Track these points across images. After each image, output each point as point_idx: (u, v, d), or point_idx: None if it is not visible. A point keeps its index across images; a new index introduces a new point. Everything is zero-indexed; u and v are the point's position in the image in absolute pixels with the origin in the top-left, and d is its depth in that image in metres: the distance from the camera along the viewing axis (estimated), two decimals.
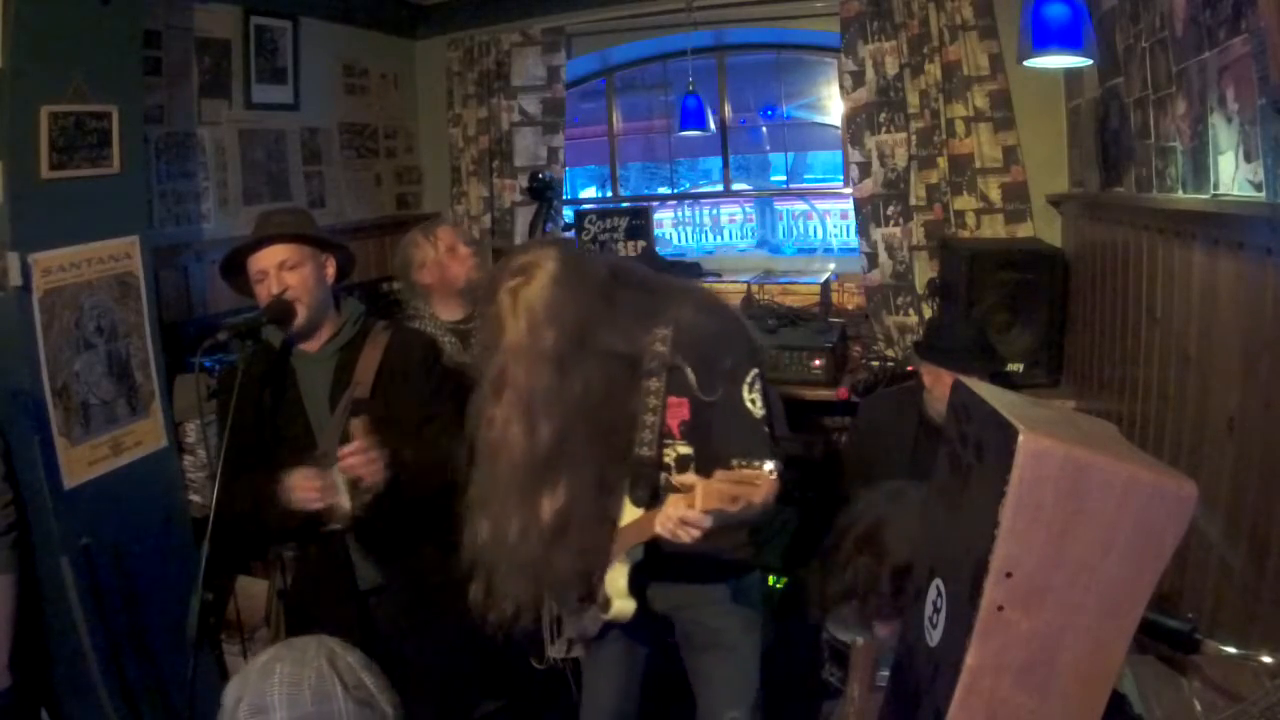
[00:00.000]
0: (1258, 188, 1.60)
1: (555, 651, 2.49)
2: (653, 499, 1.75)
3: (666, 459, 1.83)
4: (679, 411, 1.78)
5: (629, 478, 1.79)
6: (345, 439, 2.11)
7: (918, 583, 1.12)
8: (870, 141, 3.61)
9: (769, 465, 1.49)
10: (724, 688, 1.99)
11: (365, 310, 2.29)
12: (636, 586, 1.80)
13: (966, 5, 3.38)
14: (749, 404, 1.75)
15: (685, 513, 1.49)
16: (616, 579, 1.78)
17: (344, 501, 2.00)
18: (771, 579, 3.02)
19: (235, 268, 2.15)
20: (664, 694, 2.17)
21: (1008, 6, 3.29)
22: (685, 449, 1.83)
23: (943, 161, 3.49)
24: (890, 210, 3.62)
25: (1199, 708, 1.23)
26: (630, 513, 1.77)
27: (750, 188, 4.71)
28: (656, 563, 1.91)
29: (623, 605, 1.79)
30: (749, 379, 1.76)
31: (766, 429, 1.77)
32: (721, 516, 1.53)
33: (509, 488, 1.66)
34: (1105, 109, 2.66)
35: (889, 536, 1.49)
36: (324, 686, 1.03)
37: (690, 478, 1.54)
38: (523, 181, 4.18)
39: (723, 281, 3.97)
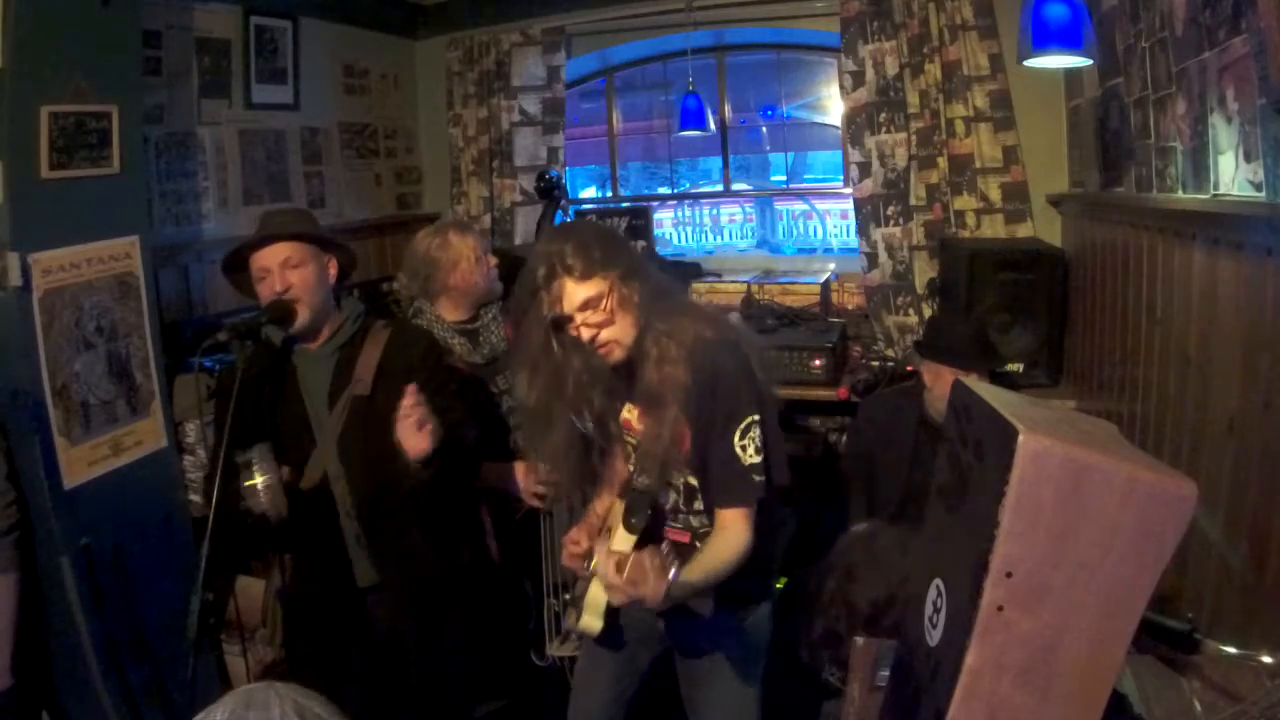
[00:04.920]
0: (1258, 188, 1.60)
1: (556, 650, 2.50)
2: (647, 531, 1.74)
3: (675, 482, 1.85)
4: (684, 441, 1.78)
5: (624, 504, 1.80)
6: (344, 438, 2.11)
7: (917, 583, 1.12)
8: (870, 141, 3.61)
9: (673, 573, 1.49)
10: None
11: (365, 309, 2.29)
12: (614, 611, 1.78)
13: (966, 5, 3.38)
14: (738, 450, 1.73)
15: (612, 580, 1.49)
16: (598, 597, 1.75)
17: (270, 504, 1.95)
18: None
19: (237, 265, 2.15)
20: (658, 710, 2.15)
21: (1008, 6, 3.29)
22: (691, 479, 1.84)
23: (943, 161, 3.49)
24: (890, 210, 3.62)
25: (1199, 708, 1.23)
26: (622, 538, 1.75)
27: (750, 188, 4.71)
28: None
29: (589, 621, 1.76)
30: (743, 425, 1.73)
31: (759, 477, 1.75)
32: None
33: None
34: (1105, 109, 2.66)
35: (859, 588, 1.52)
36: None
37: (625, 546, 1.55)
38: (524, 181, 4.18)
39: (723, 281, 3.98)
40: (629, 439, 1.91)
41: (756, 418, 1.75)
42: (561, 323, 1.76)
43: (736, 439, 1.73)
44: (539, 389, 1.83)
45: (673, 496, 1.86)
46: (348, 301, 2.26)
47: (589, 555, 1.89)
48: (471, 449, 2.18)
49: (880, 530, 1.67)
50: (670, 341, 1.76)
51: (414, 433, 1.88)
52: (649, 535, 1.80)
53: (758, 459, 1.74)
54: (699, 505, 1.85)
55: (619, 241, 1.92)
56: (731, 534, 1.72)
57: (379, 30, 4.20)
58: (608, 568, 1.50)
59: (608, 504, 2.00)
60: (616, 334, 1.76)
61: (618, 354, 1.78)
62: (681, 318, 1.81)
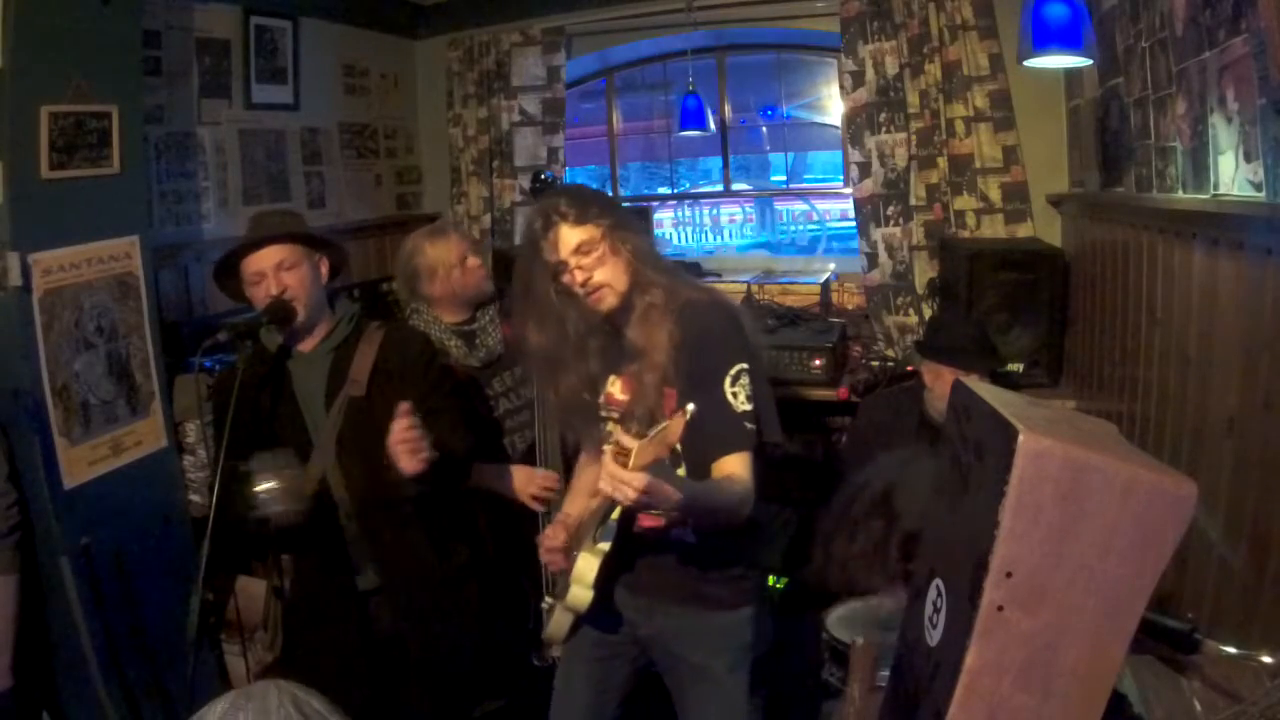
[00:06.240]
0: (1258, 188, 1.60)
1: (555, 651, 2.50)
2: (628, 517, 1.73)
3: None
4: (669, 402, 1.78)
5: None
6: (341, 439, 2.11)
7: (918, 582, 1.12)
8: (870, 141, 3.61)
9: (690, 407, 1.49)
10: None
11: (360, 310, 2.29)
12: (604, 583, 1.78)
13: (966, 5, 3.37)
14: (729, 397, 1.75)
15: (618, 471, 1.50)
16: (585, 569, 1.75)
17: (293, 507, 1.97)
18: (771, 579, 3.01)
19: (228, 270, 2.14)
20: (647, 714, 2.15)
21: (1008, 6, 3.29)
22: (677, 445, 1.82)
23: (943, 161, 3.49)
24: (890, 210, 3.62)
25: (1199, 708, 1.23)
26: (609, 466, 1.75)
27: (750, 188, 4.71)
28: (642, 577, 1.89)
29: (579, 594, 1.76)
30: (734, 371, 1.76)
31: (751, 425, 1.76)
32: (660, 474, 1.53)
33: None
34: (1105, 109, 2.66)
35: (900, 501, 1.49)
36: None
37: (628, 440, 1.54)
38: (524, 182, 4.18)
39: (723, 281, 3.98)
40: (610, 413, 1.91)
41: (745, 366, 1.78)
42: (558, 270, 1.82)
43: (727, 385, 1.76)
44: (546, 336, 1.88)
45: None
46: (342, 303, 2.26)
47: (566, 550, 1.89)
48: (463, 458, 2.18)
49: (919, 455, 1.63)
50: (660, 296, 1.81)
51: (407, 456, 1.89)
52: (628, 521, 1.79)
53: (749, 406, 1.76)
54: (682, 470, 1.81)
55: (612, 200, 2.02)
56: (728, 480, 1.72)
57: (379, 30, 4.20)
58: (611, 467, 1.50)
59: (581, 505, 1.98)
60: (608, 277, 1.80)
61: (610, 299, 1.82)
62: (671, 277, 1.87)
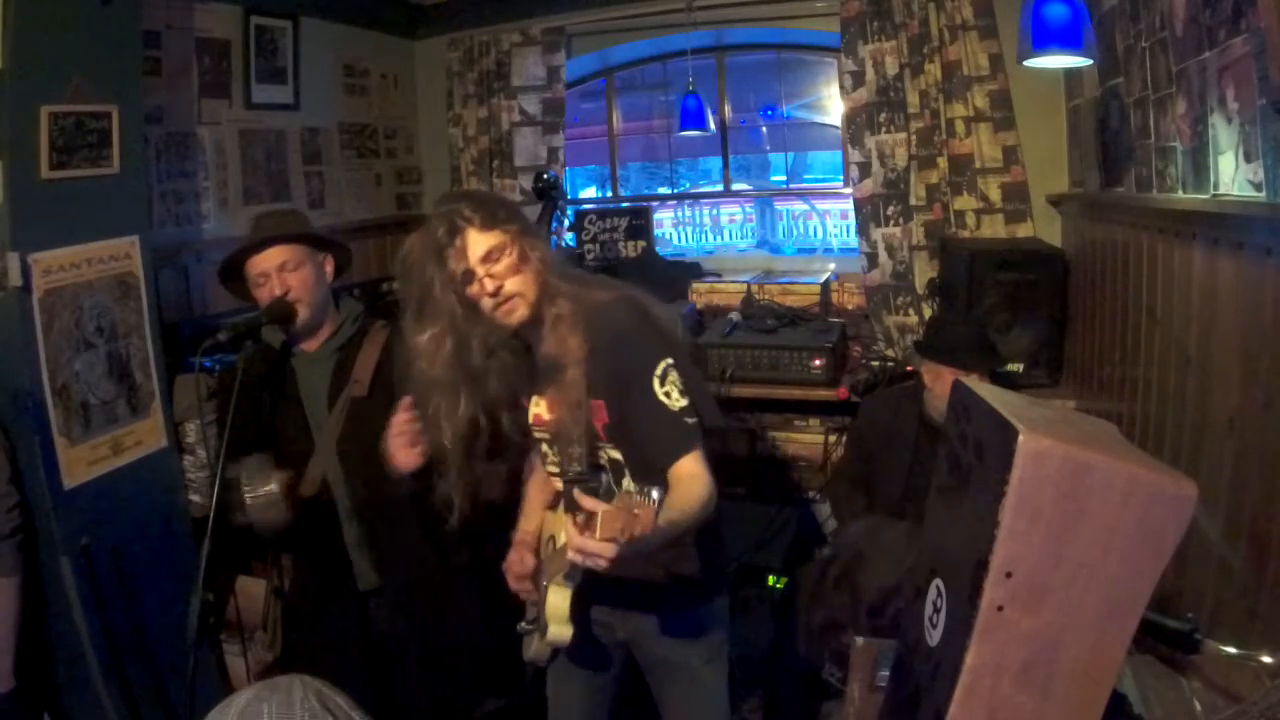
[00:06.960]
0: (1258, 188, 1.60)
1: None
2: (590, 518, 1.71)
3: (601, 460, 1.79)
4: (600, 414, 1.74)
5: (565, 498, 1.74)
6: (343, 440, 2.11)
7: (917, 583, 1.12)
8: (870, 141, 3.61)
9: (655, 494, 1.42)
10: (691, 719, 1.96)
11: (364, 310, 2.29)
12: (579, 612, 1.75)
13: (966, 5, 3.38)
14: (662, 399, 1.68)
15: (585, 543, 1.41)
16: (558, 603, 1.71)
17: (280, 515, 1.97)
18: (771, 579, 3.02)
19: (233, 272, 2.14)
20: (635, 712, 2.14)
21: (1008, 6, 3.29)
22: (615, 453, 1.78)
23: (943, 161, 3.49)
24: (890, 210, 3.62)
25: (1199, 708, 1.23)
26: (572, 531, 1.67)
27: (750, 188, 4.71)
28: (611, 590, 1.86)
29: (559, 630, 1.72)
30: (659, 371, 1.68)
31: (691, 420, 1.70)
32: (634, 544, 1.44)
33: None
34: (1105, 109, 2.66)
35: (864, 576, 1.54)
36: None
37: (590, 504, 1.44)
38: (524, 182, 4.18)
39: (723, 281, 3.98)
40: (541, 434, 1.85)
41: (670, 361, 1.71)
42: (465, 279, 1.70)
43: (657, 387, 1.68)
44: (444, 356, 1.74)
45: (604, 478, 1.79)
46: (346, 303, 2.26)
47: (535, 575, 1.86)
48: None
49: (887, 523, 1.68)
50: (567, 306, 1.72)
51: (405, 449, 1.88)
52: None
53: (684, 401, 1.69)
54: (628, 483, 1.77)
55: (516, 204, 1.91)
56: (689, 481, 1.66)
57: (379, 30, 4.20)
58: (575, 538, 1.42)
59: (537, 521, 1.96)
60: (520, 286, 1.70)
61: (521, 310, 1.71)
62: (578, 284, 1.78)
